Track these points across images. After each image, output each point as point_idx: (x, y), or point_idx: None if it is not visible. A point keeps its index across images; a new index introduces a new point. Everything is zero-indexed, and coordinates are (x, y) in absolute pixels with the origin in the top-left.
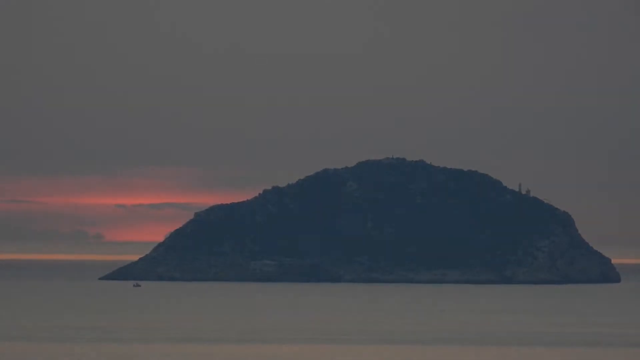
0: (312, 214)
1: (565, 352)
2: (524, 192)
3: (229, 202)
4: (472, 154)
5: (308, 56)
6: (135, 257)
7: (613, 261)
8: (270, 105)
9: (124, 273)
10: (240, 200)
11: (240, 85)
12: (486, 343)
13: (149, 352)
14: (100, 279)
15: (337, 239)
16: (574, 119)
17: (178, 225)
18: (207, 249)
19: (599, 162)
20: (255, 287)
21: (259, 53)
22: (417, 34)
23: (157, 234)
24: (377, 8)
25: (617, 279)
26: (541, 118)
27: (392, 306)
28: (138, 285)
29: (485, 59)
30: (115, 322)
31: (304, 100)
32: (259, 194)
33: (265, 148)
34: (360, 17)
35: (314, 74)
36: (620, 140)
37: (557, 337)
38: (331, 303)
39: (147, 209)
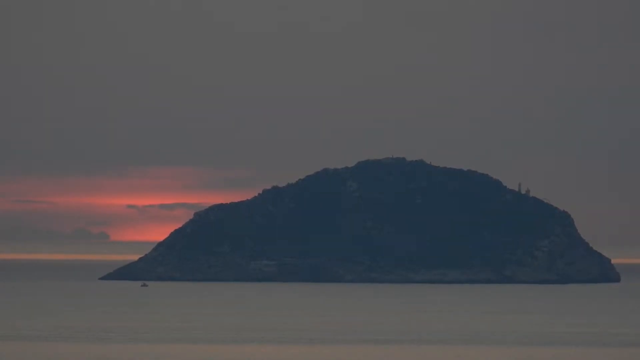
0: (312, 214)
1: (565, 352)
2: (524, 192)
3: (229, 201)
4: (472, 154)
5: (309, 56)
6: (137, 257)
7: (613, 261)
8: (270, 105)
9: (124, 273)
10: (240, 200)
11: (242, 85)
12: (486, 343)
13: (149, 352)
14: (100, 279)
15: (337, 239)
16: (574, 119)
17: None
18: (207, 249)
19: (599, 162)
20: (255, 287)
21: (259, 53)
22: (417, 33)
23: (166, 234)
24: (380, 7)
25: (617, 279)
26: (541, 118)
27: (392, 306)
28: (145, 285)
29: (486, 58)
30: (114, 322)
31: (304, 100)
32: (259, 194)
33: (266, 148)
34: (361, 17)
35: (315, 73)
36: (620, 140)
37: (557, 337)
38: (331, 303)
39: (158, 209)
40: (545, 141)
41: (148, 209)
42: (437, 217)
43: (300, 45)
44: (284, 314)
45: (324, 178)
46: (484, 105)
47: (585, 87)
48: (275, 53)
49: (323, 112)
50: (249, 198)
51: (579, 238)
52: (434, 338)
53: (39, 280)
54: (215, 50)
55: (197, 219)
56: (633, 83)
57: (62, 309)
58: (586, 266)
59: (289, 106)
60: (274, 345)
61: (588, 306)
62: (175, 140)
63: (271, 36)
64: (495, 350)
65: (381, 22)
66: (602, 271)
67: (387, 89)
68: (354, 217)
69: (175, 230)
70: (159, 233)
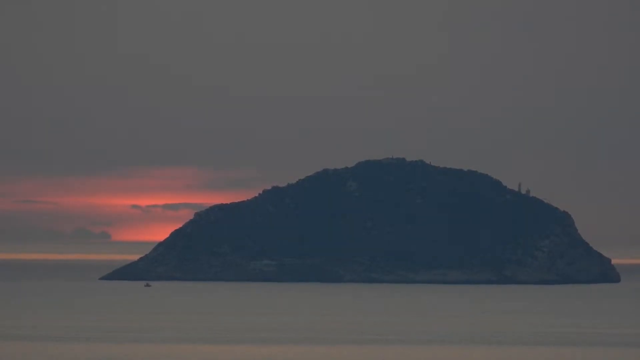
0: (312, 214)
1: (565, 352)
2: (524, 192)
3: (229, 201)
4: (472, 154)
5: (309, 56)
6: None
7: (613, 261)
8: (270, 106)
9: (124, 273)
10: (240, 200)
11: (242, 85)
12: (487, 343)
13: (149, 352)
14: (100, 279)
15: (337, 239)
16: (574, 119)
17: None
18: (207, 249)
19: (599, 162)
20: (255, 287)
21: (260, 54)
22: (419, 34)
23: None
24: (380, 8)
25: (617, 279)
26: (541, 118)
27: (392, 306)
28: (148, 285)
29: (486, 59)
30: (114, 322)
31: (304, 100)
32: (259, 194)
33: (266, 148)
34: (362, 18)
35: (315, 73)
36: (620, 140)
37: (557, 337)
38: (331, 303)
39: (162, 209)
40: (545, 141)
41: (151, 209)
42: (437, 217)
43: (301, 48)
44: (284, 314)
45: (324, 178)
46: (484, 105)
47: (586, 87)
48: (276, 53)
49: (323, 112)
50: (249, 198)
51: (579, 238)
52: (434, 338)
53: (37, 281)
54: (217, 51)
55: (198, 219)
56: (633, 83)
57: (63, 310)
58: (586, 266)
59: (289, 106)
60: (274, 346)
61: (588, 306)
62: (178, 140)
63: (272, 39)
64: (495, 350)
65: (380, 24)
66: (602, 271)
67: (388, 89)
68: (354, 217)
69: (176, 230)
70: (162, 233)
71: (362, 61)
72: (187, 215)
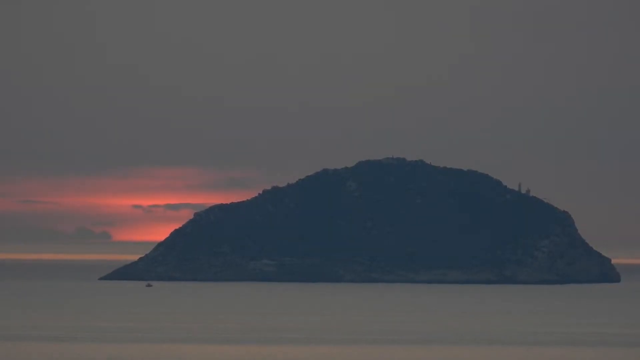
0: (312, 214)
1: (565, 352)
2: (524, 192)
3: (229, 202)
4: (472, 154)
5: (308, 56)
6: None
7: (613, 261)
8: (270, 106)
9: (124, 273)
10: (240, 200)
11: (242, 85)
12: (486, 343)
13: (149, 352)
14: (100, 279)
15: (337, 239)
16: (574, 119)
17: None
18: (207, 249)
19: (598, 162)
20: (255, 287)
21: (258, 53)
22: (420, 34)
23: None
24: (380, 8)
25: (617, 279)
26: (541, 118)
27: (392, 306)
28: (150, 286)
29: (486, 59)
30: (113, 322)
31: (303, 100)
32: (259, 194)
33: (265, 148)
34: (363, 17)
35: (315, 73)
36: (620, 140)
37: (557, 337)
38: (331, 303)
39: (164, 209)
40: (545, 141)
41: (153, 209)
42: (437, 217)
43: (301, 44)
44: (284, 314)
45: (324, 178)
46: (483, 105)
47: (586, 87)
48: (274, 52)
49: (323, 112)
50: (248, 198)
51: (579, 238)
52: (434, 338)
53: (37, 281)
54: (218, 52)
55: (198, 219)
56: (633, 83)
57: (63, 310)
58: (586, 266)
59: (288, 106)
60: (274, 345)
61: (588, 306)
62: (180, 140)
63: (272, 41)
64: (495, 350)
65: (379, 23)
66: (602, 271)
67: (388, 89)
68: (354, 217)
69: (175, 230)
70: (164, 233)
71: (363, 60)
72: (189, 216)
